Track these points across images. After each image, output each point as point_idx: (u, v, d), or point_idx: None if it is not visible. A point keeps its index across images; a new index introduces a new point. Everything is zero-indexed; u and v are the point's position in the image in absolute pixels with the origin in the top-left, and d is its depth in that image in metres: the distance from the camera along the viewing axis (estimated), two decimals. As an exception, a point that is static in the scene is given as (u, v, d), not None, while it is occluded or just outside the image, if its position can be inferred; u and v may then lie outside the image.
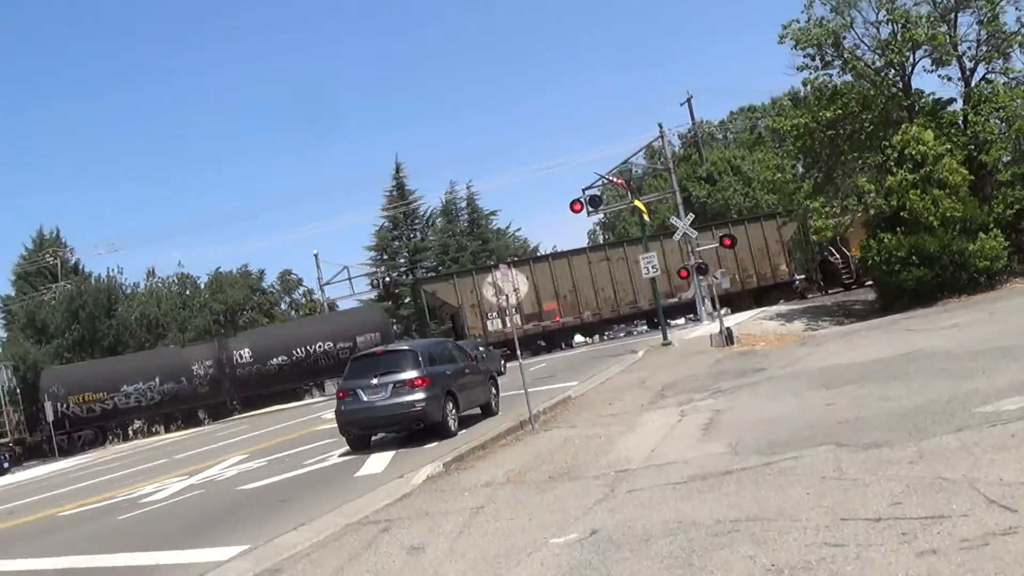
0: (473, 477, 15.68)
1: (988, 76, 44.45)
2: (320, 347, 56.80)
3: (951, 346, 21.65)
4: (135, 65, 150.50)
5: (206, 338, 64.93)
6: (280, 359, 56.43)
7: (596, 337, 59.23)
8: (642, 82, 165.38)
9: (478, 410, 24.46)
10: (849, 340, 29.94)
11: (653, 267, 39.60)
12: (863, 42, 44.07)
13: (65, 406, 52.77)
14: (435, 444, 20.41)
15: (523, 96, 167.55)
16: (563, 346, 57.40)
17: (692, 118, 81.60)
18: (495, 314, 50.97)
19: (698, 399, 20.98)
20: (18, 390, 56.55)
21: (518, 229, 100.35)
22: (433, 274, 76.76)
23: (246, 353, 55.51)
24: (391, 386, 21.13)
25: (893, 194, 39.62)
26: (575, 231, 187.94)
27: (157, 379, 54.75)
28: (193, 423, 63.15)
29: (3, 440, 52.29)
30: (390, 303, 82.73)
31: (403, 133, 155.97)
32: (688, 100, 78.37)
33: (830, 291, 57.87)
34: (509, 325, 25.90)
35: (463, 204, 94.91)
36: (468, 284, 56.48)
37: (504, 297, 22.87)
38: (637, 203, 43.62)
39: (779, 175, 48.92)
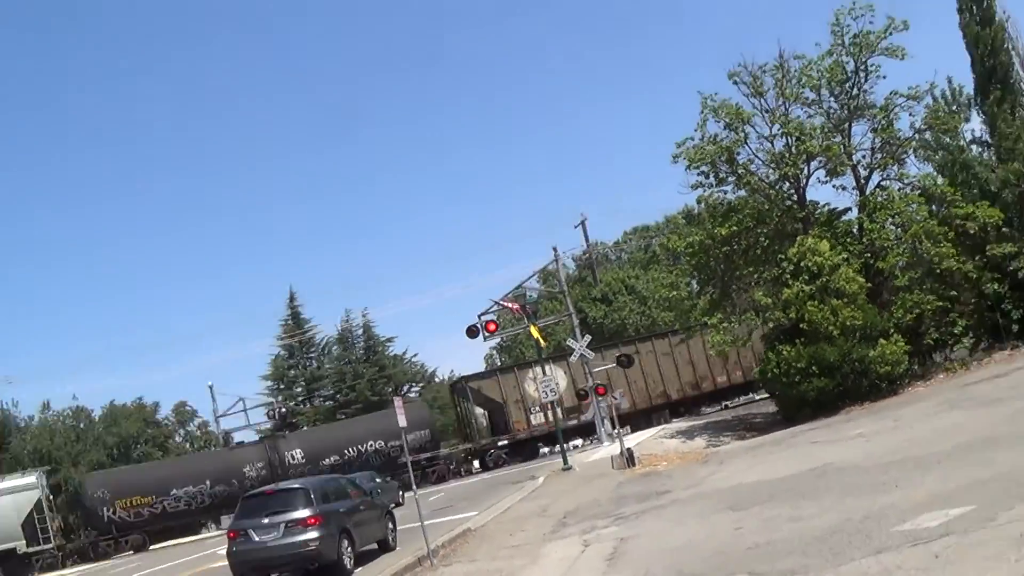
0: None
1: (883, 183, 45.27)
2: (371, 446, 57.88)
3: (860, 458, 21.42)
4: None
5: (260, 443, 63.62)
6: (332, 459, 56.62)
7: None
8: (537, 206, 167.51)
9: (375, 545, 23.68)
10: (754, 456, 29.72)
11: (551, 390, 39.23)
12: (757, 157, 44.59)
13: (111, 511, 52.10)
14: (330, 585, 19.61)
15: (418, 222, 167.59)
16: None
17: (586, 240, 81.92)
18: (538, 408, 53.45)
19: (602, 526, 20.50)
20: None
21: (415, 355, 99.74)
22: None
23: (298, 454, 55.74)
24: (283, 525, 20.61)
25: (791, 306, 39.77)
26: (472, 355, 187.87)
27: (208, 482, 54.55)
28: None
29: (47, 546, 50.93)
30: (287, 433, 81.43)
31: (297, 261, 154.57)
32: (582, 223, 78.64)
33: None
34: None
35: (359, 331, 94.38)
36: (511, 380, 57.64)
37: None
38: (532, 330, 43.48)
39: (674, 293, 49.04)
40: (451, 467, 58.85)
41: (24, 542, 46.60)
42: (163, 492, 53.63)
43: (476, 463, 60.47)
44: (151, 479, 55.10)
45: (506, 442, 56.18)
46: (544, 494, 31.23)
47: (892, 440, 23.68)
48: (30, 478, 51.35)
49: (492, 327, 43.87)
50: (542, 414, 54.67)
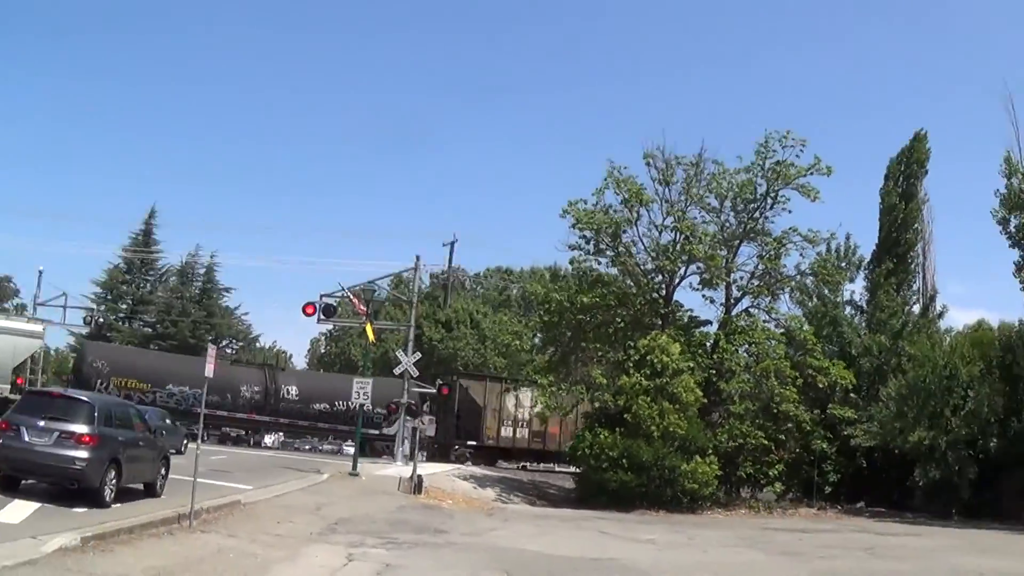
0: (108, 563, 13.61)
1: (751, 309, 45.22)
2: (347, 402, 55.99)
3: (647, 564, 20.44)
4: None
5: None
6: (323, 405, 56.46)
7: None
8: (415, 211, 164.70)
9: (141, 486, 22.07)
10: (539, 526, 28.74)
11: (365, 394, 37.87)
12: (642, 241, 43.99)
13: (106, 386, 50.83)
14: (84, 510, 18.22)
15: (292, 191, 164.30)
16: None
17: (450, 261, 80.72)
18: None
19: (371, 545, 19.38)
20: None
21: (246, 313, 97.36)
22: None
23: (293, 391, 55.48)
24: (57, 434, 19.02)
25: (623, 394, 39.04)
26: (302, 333, 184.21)
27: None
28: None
29: None
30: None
31: (168, 183, 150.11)
32: (452, 243, 77.53)
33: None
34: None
35: (201, 271, 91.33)
36: (496, 389, 56.01)
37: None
38: (367, 328, 42.11)
39: (517, 342, 48.27)
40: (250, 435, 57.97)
41: (9, 387, 43.60)
42: (160, 384, 52.97)
43: (269, 438, 59.15)
44: (153, 368, 54.60)
45: (474, 444, 54.84)
46: (324, 492, 29.71)
47: (683, 556, 22.85)
48: (36, 326, 48.46)
49: (330, 312, 42.55)
50: (512, 429, 55.07)
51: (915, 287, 53.70)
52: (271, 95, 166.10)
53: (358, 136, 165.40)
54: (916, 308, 52.87)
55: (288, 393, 56.97)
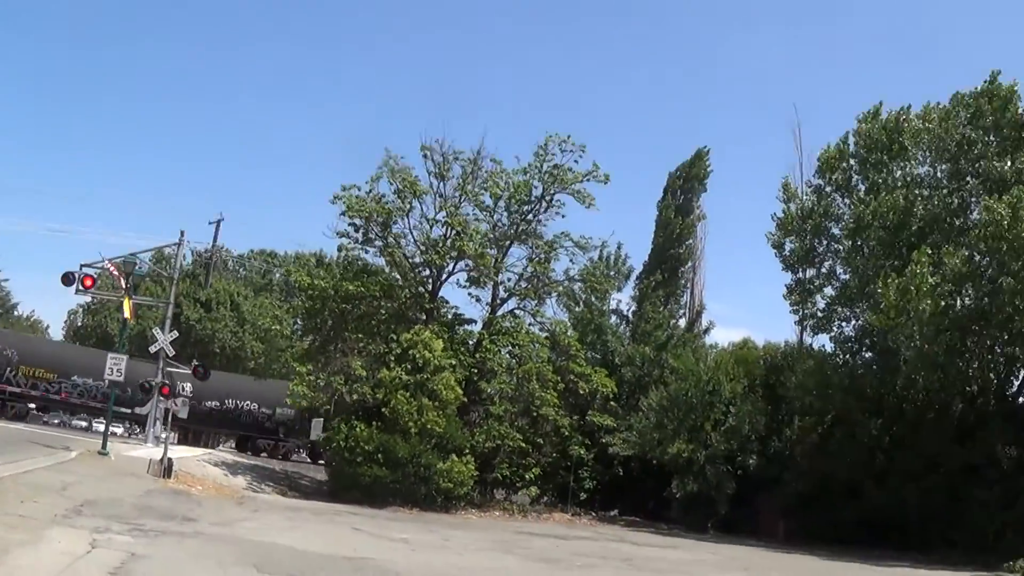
0: None
1: (517, 311, 44.63)
2: (247, 407, 56.96)
3: (401, 566, 19.14)
4: None
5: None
6: (213, 404, 55.46)
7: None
8: (182, 187, 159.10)
9: None
10: (291, 518, 27.16)
11: (119, 371, 35.50)
12: (412, 234, 42.88)
13: (14, 373, 51.60)
14: None
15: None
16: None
17: (215, 241, 77.89)
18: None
19: (116, 531, 17.62)
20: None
21: (6, 280, 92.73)
22: None
23: (187, 388, 51.07)
24: None
25: (383, 388, 37.88)
26: (60, 303, 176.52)
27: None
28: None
29: None
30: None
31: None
32: (218, 222, 74.79)
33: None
34: None
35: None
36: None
37: None
38: (125, 303, 39.48)
39: (277, 327, 46.52)
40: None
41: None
42: (66, 375, 52.35)
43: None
44: (60, 358, 54.61)
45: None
46: (72, 471, 27.33)
47: (438, 558, 21.68)
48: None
49: (89, 282, 39.71)
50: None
51: (683, 301, 54.32)
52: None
53: (125, 104, 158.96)
54: (683, 322, 53.39)
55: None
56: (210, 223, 75.20)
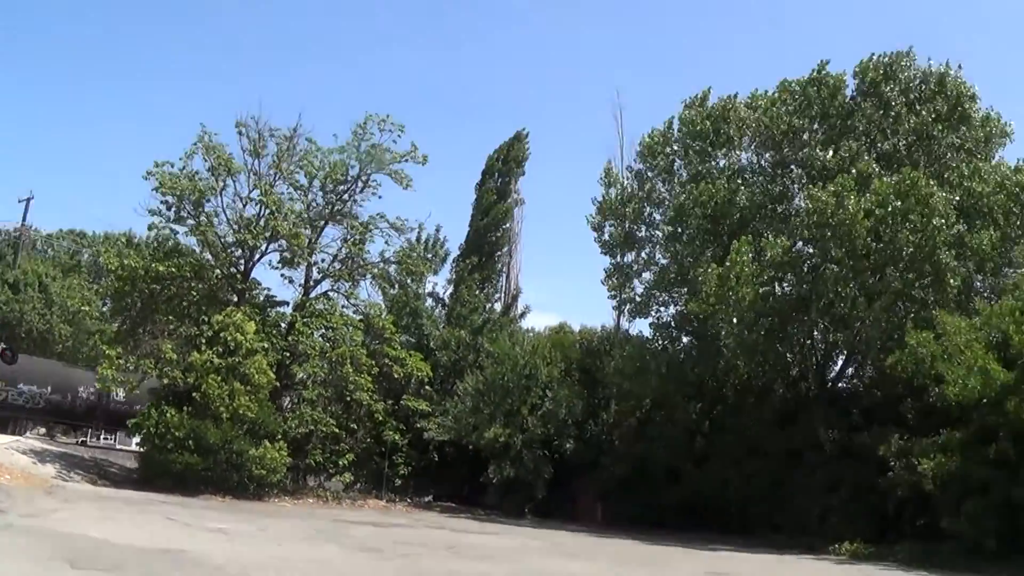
0: None
1: (331, 293, 44.01)
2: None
3: (220, 558, 18.39)
4: None
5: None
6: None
7: None
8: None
9: None
10: (103, 509, 26.23)
11: None
12: (225, 212, 41.71)
13: None
14: None
15: None
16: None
17: (24, 218, 75.19)
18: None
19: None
20: None
21: None
22: None
23: (120, 393, 48.16)
24: None
25: (194, 371, 36.90)
26: None
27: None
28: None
29: None
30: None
31: None
32: (28, 199, 72.14)
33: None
34: None
35: None
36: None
37: None
38: None
39: (86, 307, 45.00)
40: None
41: None
42: (12, 383, 48.17)
43: None
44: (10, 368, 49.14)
45: None
46: None
47: (258, 549, 21.00)
48: None
49: None
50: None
51: (499, 286, 54.42)
52: None
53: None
54: (499, 306, 53.50)
55: None
56: (20, 201, 72.62)
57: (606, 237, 45.18)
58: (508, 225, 53.90)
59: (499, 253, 53.66)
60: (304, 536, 25.27)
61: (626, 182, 45.43)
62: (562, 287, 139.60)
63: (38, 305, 72.54)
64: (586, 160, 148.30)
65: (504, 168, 53.82)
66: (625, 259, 45.58)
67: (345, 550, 22.88)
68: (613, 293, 45.78)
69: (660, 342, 43.46)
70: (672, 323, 43.32)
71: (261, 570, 17.78)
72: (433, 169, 43.47)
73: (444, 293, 52.18)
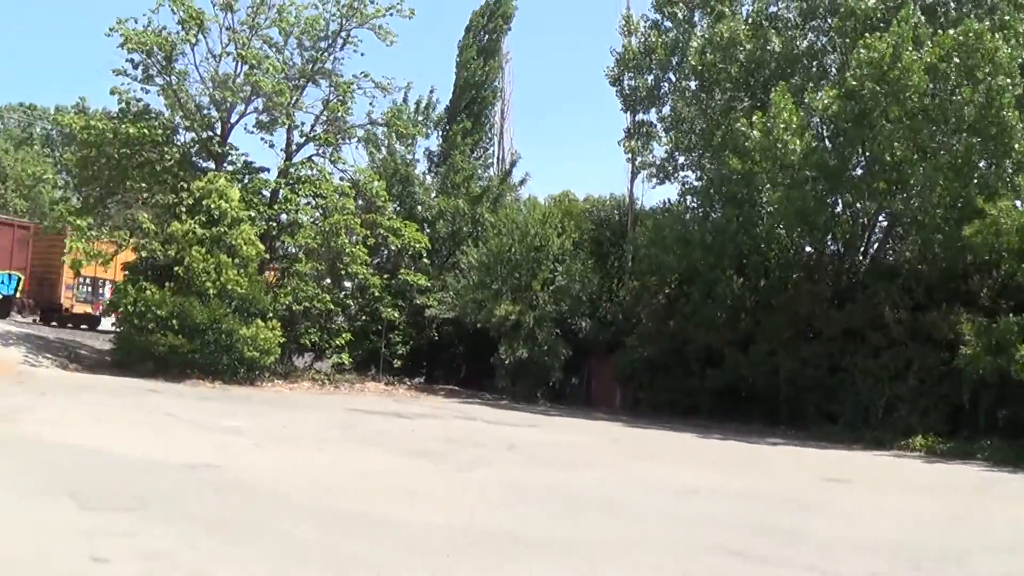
0: None
1: (315, 158, 40.29)
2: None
3: (268, 475, 14.81)
4: None
5: None
6: None
7: None
8: None
9: None
10: (88, 402, 22.71)
11: None
12: (198, 69, 37.75)
13: None
14: None
15: None
16: None
17: (-30, 97, 70.63)
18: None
19: None
20: None
21: None
22: None
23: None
24: None
25: (175, 243, 33.35)
26: None
27: None
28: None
29: None
30: None
31: None
32: (-31, 77, 67.49)
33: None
34: None
35: None
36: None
37: None
38: None
39: (48, 175, 41.04)
40: None
41: None
42: None
43: None
44: None
45: None
46: None
47: (297, 459, 17.33)
48: None
49: None
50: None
51: (491, 151, 50.79)
52: None
53: None
54: (492, 173, 49.88)
55: None
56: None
57: (625, 91, 41.48)
58: (497, 84, 50.13)
59: (487, 115, 49.85)
60: (335, 435, 21.81)
61: (643, 30, 41.55)
62: (558, 156, 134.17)
63: (-10, 181, 68.77)
64: (580, 21, 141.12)
65: (490, 25, 49.90)
66: (647, 116, 41.99)
67: (393, 455, 19.28)
68: (632, 156, 41.94)
69: (697, 208, 39.56)
70: (707, 187, 39.24)
71: (330, 494, 14.01)
72: (420, 30, 39.84)
73: (435, 159, 48.43)
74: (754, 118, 32.20)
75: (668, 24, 40.28)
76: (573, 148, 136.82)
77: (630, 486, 17.54)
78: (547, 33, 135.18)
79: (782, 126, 31.13)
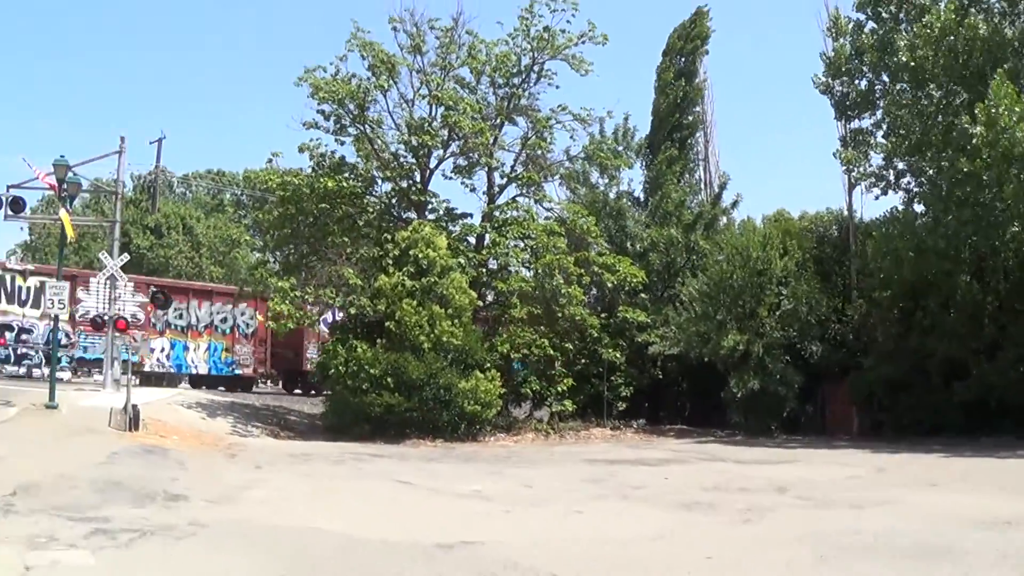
0: None
1: (519, 199, 38.80)
2: None
3: (537, 551, 12.34)
4: None
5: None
6: None
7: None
8: (113, 108, 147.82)
9: None
10: (308, 475, 20.69)
11: (61, 303, 28.86)
12: (391, 115, 36.72)
13: None
14: None
15: None
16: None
17: (159, 159, 70.87)
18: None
19: (65, 541, 11.30)
20: None
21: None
22: None
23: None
24: None
25: (383, 297, 31.78)
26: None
27: None
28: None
29: None
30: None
31: None
32: (160, 140, 67.53)
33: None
34: None
35: None
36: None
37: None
38: (63, 216, 32.10)
39: (247, 238, 40.11)
40: None
41: None
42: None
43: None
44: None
45: None
46: (5, 436, 20.80)
47: (551, 522, 15.00)
48: None
49: (19, 206, 32.35)
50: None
51: (696, 176, 48.28)
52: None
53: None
54: (701, 199, 47.32)
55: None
56: (151, 143, 68.21)
57: (836, 97, 38.54)
58: (699, 108, 47.73)
59: (691, 140, 47.47)
60: (586, 493, 19.26)
61: (850, 34, 38.60)
62: (760, 173, 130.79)
63: (184, 248, 69.18)
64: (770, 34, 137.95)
65: (688, 47, 47.64)
66: (862, 123, 38.92)
67: (659, 510, 16.73)
68: (848, 166, 38.88)
69: (926, 214, 36.34)
70: (934, 190, 35.96)
71: (624, 570, 11.62)
72: (606, 53, 38.09)
73: (638, 189, 46.18)
74: (976, 111, 29.06)
75: (872, 25, 37.21)
76: (775, 163, 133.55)
77: (933, 523, 15.08)
78: (737, 47, 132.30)
79: (1005, 115, 27.99)
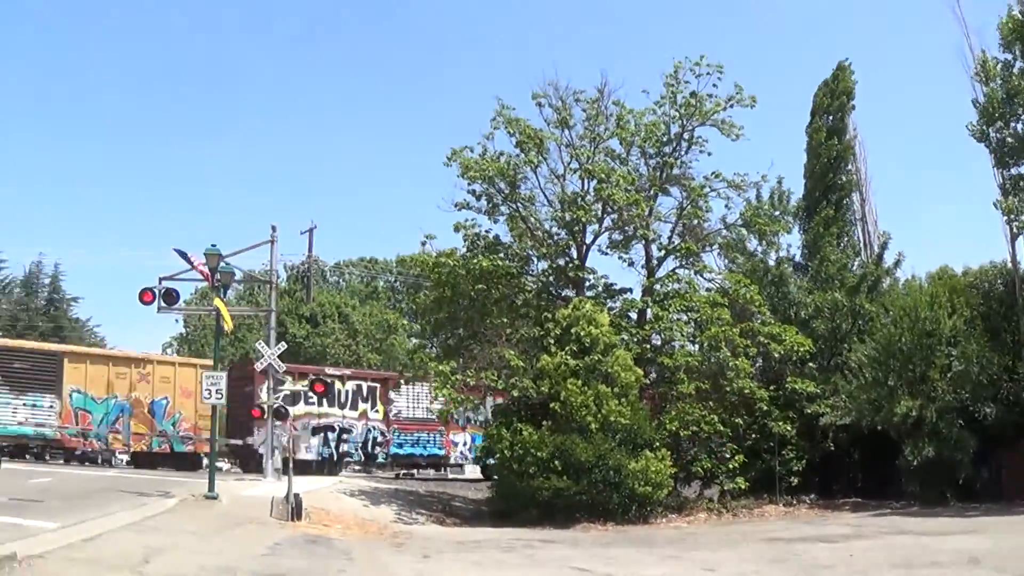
0: None
1: (678, 271, 38.00)
2: None
3: None
4: None
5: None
6: None
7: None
8: (259, 200, 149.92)
9: None
10: (479, 564, 20.09)
11: (219, 392, 28.81)
12: (543, 192, 36.52)
13: None
14: None
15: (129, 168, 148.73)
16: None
17: (311, 249, 71.56)
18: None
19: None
20: None
21: (98, 325, 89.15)
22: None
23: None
24: None
25: (547, 378, 31.17)
26: (154, 335, 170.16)
27: None
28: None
29: None
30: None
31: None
32: (311, 230, 68.23)
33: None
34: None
35: (46, 280, 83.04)
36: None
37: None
38: (219, 305, 32.10)
39: (403, 322, 40.02)
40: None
41: None
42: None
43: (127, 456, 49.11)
44: None
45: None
46: (164, 528, 20.39)
47: None
48: None
49: (172, 298, 32.70)
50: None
51: (855, 236, 46.75)
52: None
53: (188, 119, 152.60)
54: (861, 259, 45.77)
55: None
56: (302, 233, 69.01)
57: (993, 144, 36.78)
58: (851, 167, 46.34)
59: (846, 200, 46.01)
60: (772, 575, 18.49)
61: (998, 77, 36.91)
62: (916, 226, 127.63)
63: (340, 335, 69.69)
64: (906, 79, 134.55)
65: (835, 104, 46.37)
66: (1022, 170, 37.17)
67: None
68: (1010, 215, 37.02)
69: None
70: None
71: None
72: (751, 114, 37.28)
73: (796, 254, 44.89)
74: None
75: (1021, 64, 35.59)
76: (930, 216, 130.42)
77: None
78: (878, 102, 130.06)
79: None
